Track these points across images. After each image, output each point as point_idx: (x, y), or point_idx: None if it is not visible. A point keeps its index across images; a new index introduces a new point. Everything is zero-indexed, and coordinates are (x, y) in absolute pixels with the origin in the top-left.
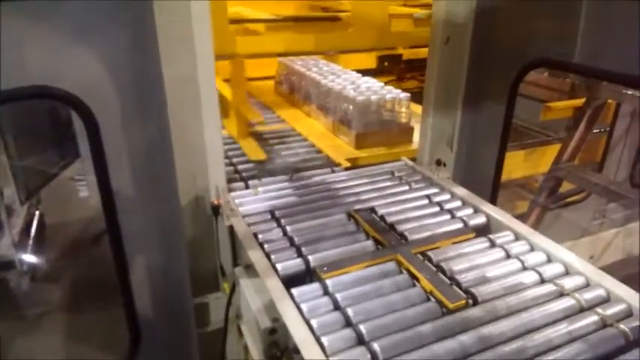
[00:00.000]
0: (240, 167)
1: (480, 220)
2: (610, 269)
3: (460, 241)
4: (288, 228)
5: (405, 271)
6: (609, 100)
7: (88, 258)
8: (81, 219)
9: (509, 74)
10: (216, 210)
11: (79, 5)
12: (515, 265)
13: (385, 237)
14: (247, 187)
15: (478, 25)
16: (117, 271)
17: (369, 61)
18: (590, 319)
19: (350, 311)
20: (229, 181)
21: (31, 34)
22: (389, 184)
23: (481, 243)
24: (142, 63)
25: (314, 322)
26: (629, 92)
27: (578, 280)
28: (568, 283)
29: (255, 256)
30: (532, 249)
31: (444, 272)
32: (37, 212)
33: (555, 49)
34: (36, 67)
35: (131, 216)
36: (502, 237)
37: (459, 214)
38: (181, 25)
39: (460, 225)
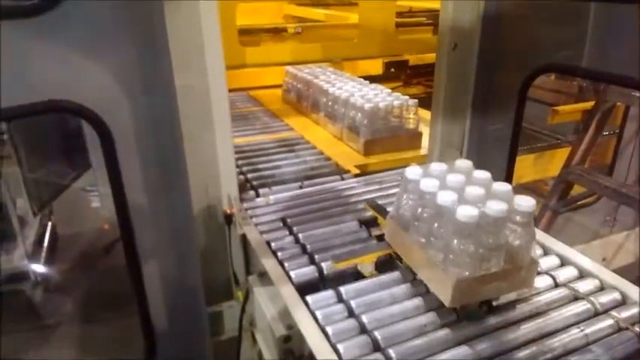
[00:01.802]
0: (250, 176)
1: None
2: (622, 272)
3: None
4: (300, 235)
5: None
6: (618, 103)
7: (101, 268)
8: (93, 229)
9: (517, 79)
10: (228, 219)
11: (91, 18)
12: None
13: None
14: (258, 195)
15: (485, 30)
16: (131, 281)
17: (376, 67)
18: (606, 322)
19: (365, 318)
20: (240, 190)
21: (44, 48)
22: (399, 190)
23: None
24: (154, 74)
25: (329, 329)
26: (638, 95)
27: (592, 284)
28: (582, 286)
29: (268, 264)
30: (545, 253)
31: None
32: (50, 223)
33: (563, 53)
34: (48, 81)
35: (145, 226)
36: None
37: None
38: (192, 35)
39: None
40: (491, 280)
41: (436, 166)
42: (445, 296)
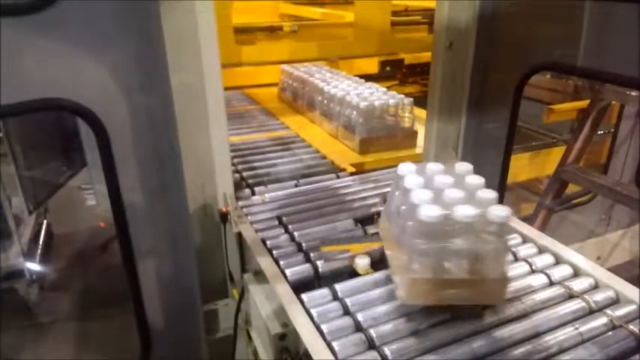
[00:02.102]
0: (245, 174)
1: None
2: (617, 270)
3: None
4: (295, 234)
5: None
6: (613, 102)
7: (96, 266)
8: (88, 228)
9: (513, 78)
10: (224, 217)
11: (87, 16)
12: (523, 267)
13: None
14: (253, 193)
15: (481, 29)
16: (127, 280)
17: (371, 66)
18: (600, 320)
19: (360, 316)
20: (236, 188)
21: (39, 45)
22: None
23: None
24: (150, 72)
25: (324, 327)
26: (634, 94)
27: (586, 282)
28: (577, 284)
29: (264, 262)
30: (540, 251)
31: None
32: (45, 222)
33: (558, 52)
34: (45, 78)
35: (141, 224)
36: (509, 240)
37: None
38: (188, 34)
39: None
40: (452, 285)
41: (431, 166)
42: (401, 293)
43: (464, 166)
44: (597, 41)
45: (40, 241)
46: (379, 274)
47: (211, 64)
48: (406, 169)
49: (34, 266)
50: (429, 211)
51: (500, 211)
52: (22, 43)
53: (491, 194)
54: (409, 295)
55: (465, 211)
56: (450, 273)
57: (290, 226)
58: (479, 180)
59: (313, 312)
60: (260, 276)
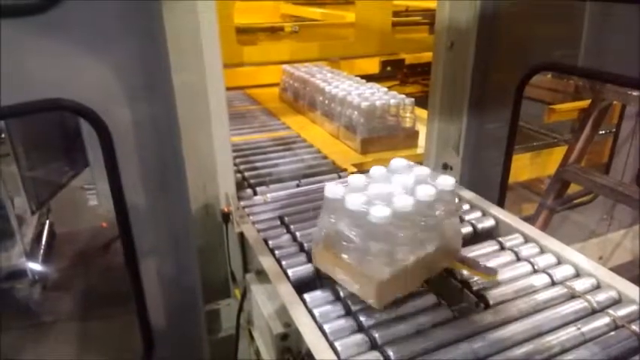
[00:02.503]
0: (247, 174)
1: (489, 223)
2: (619, 270)
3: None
4: (297, 234)
5: None
6: (614, 102)
7: (98, 266)
8: (90, 228)
9: (514, 78)
10: (226, 217)
11: (90, 17)
12: (525, 267)
13: None
14: (255, 193)
15: (482, 29)
16: (130, 280)
17: (372, 66)
18: (602, 320)
19: (362, 316)
20: (237, 188)
21: (42, 46)
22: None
23: (490, 246)
24: (153, 72)
25: (327, 327)
26: (635, 94)
27: (588, 282)
28: (579, 284)
29: (266, 262)
30: (542, 251)
31: (454, 276)
32: (47, 222)
33: (559, 52)
34: (47, 79)
35: (143, 224)
36: (511, 240)
37: (467, 217)
38: (190, 34)
39: (469, 228)
40: (411, 270)
41: (353, 179)
42: (372, 300)
43: (401, 162)
44: (598, 41)
45: (43, 241)
46: None
47: (213, 64)
48: (334, 190)
49: (36, 266)
50: (379, 212)
51: (426, 190)
52: (25, 43)
53: (424, 170)
54: (380, 298)
55: (403, 202)
56: (405, 261)
57: (292, 226)
58: (423, 169)
59: (315, 312)
60: (262, 276)
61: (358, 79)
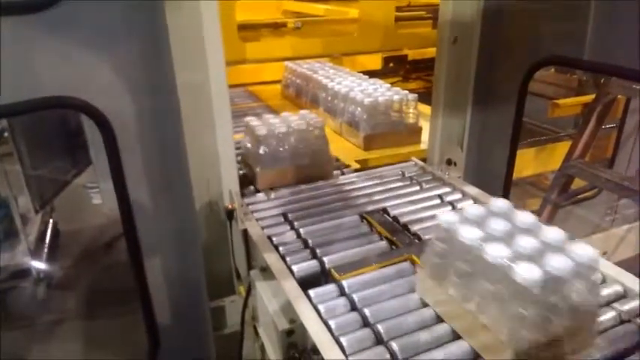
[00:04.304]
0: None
1: None
2: (624, 265)
3: None
4: (301, 230)
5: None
6: (619, 96)
7: (103, 264)
8: (94, 226)
9: (518, 72)
10: (230, 214)
11: (93, 15)
12: None
13: (399, 237)
14: (258, 190)
15: (486, 24)
16: (135, 277)
17: (375, 62)
18: (608, 315)
19: (367, 311)
20: (241, 185)
21: (46, 45)
22: (400, 184)
23: None
24: (156, 70)
25: (332, 323)
26: (639, 87)
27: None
28: None
29: (270, 258)
30: None
31: None
32: (51, 220)
33: (564, 46)
34: (51, 77)
35: (147, 222)
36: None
37: None
38: (193, 31)
39: None
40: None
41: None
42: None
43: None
44: (603, 35)
45: (47, 240)
46: (386, 270)
47: (216, 61)
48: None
49: (40, 265)
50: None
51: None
52: (28, 41)
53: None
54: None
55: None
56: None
57: (296, 223)
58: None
59: (321, 307)
60: (267, 272)
61: (360, 75)
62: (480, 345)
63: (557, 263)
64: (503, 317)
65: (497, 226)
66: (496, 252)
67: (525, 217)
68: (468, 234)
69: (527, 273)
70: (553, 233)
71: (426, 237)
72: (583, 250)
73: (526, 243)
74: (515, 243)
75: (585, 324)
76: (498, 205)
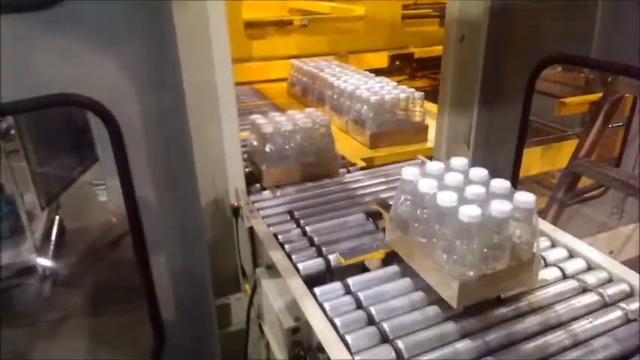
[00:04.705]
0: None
1: None
2: (630, 264)
3: None
4: (307, 228)
5: None
6: (626, 95)
7: (108, 261)
8: (99, 223)
9: (525, 71)
10: (235, 212)
11: (100, 12)
12: None
13: None
14: (264, 188)
15: (493, 22)
16: (141, 275)
17: (381, 60)
18: (615, 314)
19: (373, 310)
20: (247, 183)
21: (51, 41)
22: (396, 191)
23: None
24: (162, 68)
25: (337, 321)
26: None
27: (600, 275)
28: (591, 278)
29: (276, 256)
30: (553, 245)
31: None
32: (57, 217)
33: (571, 45)
34: (57, 74)
35: (153, 219)
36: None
37: None
38: (199, 29)
39: None
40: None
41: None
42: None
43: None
44: (610, 33)
45: (53, 237)
46: (391, 269)
47: (222, 59)
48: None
49: (46, 262)
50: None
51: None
52: (34, 39)
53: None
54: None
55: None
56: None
57: (302, 221)
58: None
59: (326, 305)
60: (272, 270)
61: (367, 73)
62: (435, 281)
63: (498, 206)
64: (450, 255)
65: (453, 177)
66: (446, 197)
67: (478, 172)
68: (425, 185)
69: (469, 213)
70: (499, 183)
71: None
72: (524, 197)
73: (473, 190)
74: (466, 191)
75: (526, 264)
76: (456, 162)
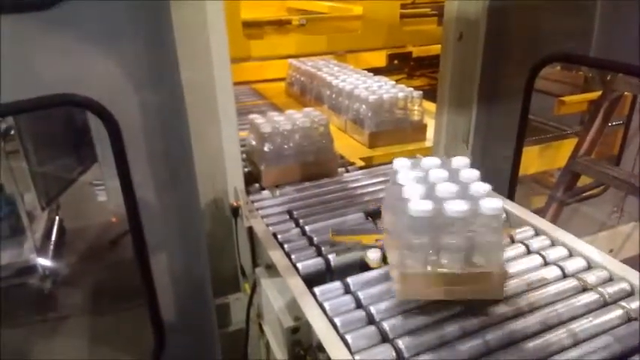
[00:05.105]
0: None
1: None
2: (630, 263)
3: None
4: (306, 228)
5: None
6: (625, 93)
7: (108, 261)
8: (99, 223)
9: (524, 69)
10: (235, 211)
11: (99, 12)
12: (536, 260)
13: None
14: (263, 188)
15: (491, 21)
16: (140, 274)
17: (379, 59)
18: (615, 313)
19: (372, 309)
20: (246, 182)
21: (51, 41)
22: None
23: None
24: (161, 68)
25: (337, 320)
26: None
27: (600, 274)
28: (591, 277)
29: (275, 255)
30: (553, 244)
31: None
32: (57, 217)
33: (570, 43)
34: (57, 74)
35: (153, 219)
36: (522, 232)
37: None
38: (198, 29)
39: None
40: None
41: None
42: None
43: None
44: (609, 31)
45: (53, 237)
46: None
47: (221, 59)
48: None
49: (46, 262)
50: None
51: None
52: (34, 39)
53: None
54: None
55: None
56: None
57: (301, 220)
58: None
59: (326, 305)
60: (272, 270)
61: (365, 72)
62: (391, 270)
63: (452, 205)
64: (401, 248)
65: (435, 173)
66: (411, 191)
67: (468, 173)
68: (403, 177)
69: (418, 207)
70: (478, 187)
71: None
72: (490, 203)
73: (442, 188)
74: (436, 188)
75: (487, 273)
76: (457, 161)
